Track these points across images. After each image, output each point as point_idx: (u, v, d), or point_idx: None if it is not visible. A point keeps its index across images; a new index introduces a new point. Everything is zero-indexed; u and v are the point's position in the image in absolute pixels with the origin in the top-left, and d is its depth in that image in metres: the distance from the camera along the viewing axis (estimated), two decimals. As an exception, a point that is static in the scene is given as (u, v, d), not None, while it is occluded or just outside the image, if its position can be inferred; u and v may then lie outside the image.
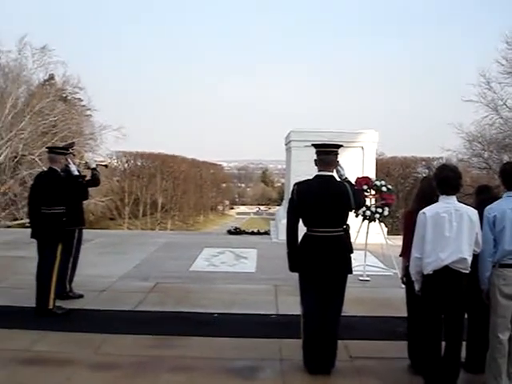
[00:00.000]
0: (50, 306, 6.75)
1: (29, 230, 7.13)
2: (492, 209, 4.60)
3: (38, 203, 6.89)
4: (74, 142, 9.69)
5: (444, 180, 4.56)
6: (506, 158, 28.77)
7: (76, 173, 7.34)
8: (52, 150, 7.31)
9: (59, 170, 7.02)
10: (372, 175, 12.67)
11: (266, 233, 16.44)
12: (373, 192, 9.74)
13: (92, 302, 7.54)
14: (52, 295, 6.77)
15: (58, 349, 5.65)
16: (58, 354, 5.49)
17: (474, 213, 4.51)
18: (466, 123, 32.66)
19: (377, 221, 9.70)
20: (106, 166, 9.86)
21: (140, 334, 6.18)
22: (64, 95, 38.47)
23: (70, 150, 7.64)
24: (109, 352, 5.62)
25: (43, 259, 6.84)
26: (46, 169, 7.41)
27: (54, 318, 6.63)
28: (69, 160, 7.27)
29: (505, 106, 30.71)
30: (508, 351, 4.58)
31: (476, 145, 32.49)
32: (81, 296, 7.68)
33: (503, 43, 29.45)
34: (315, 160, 5.23)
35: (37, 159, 30.27)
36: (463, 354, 4.83)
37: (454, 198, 4.54)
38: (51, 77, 38.06)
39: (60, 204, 6.91)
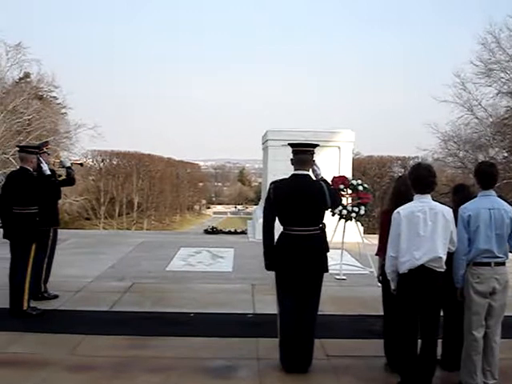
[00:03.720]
0: (25, 307, 6.67)
1: (1, 230, 7.04)
2: (467, 208, 4.64)
3: (9, 203, 6.79)
4: (48, 141, 9.58)
5: (418, 179, 4.58)
6: (480, 158, 29.13)
7: (48, 172, 7.21)
8: (23, 149, 7.20)
9: (31, 170, 6.92)
10: (348, 174, 12.78)
11: (243, 232, 16.41)
12: (349, 191, 9.80)
13: (67, 302, 7.47)
14: (26, 296, 6.69)
15: (34, 350, 5.58)
16: (33, 356, 5.42)
17: (448, 211, 4.54)
18: (441, 123, 33.11)
19: (353, 220, 9.76)
20: (81, 164, 9.77)
21: (116, 334, 6.13)
22: (39, 93, 38.03)
23: (45, 149, 7.54)
24: (85, 353, 5.56)
25: (17, 260, 6.76)
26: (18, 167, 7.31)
27: (28, 319, 6.56)
28: (41, 159, 7.16)
29: (480, 106, 31.13)
30: (483, 348, 4.63)
31: (451, 144, 32.89)
32: (56, 296, 7.61)
33: (478, 45, 29.82)
34: (291, 159, 5.24)
35: (11, 158, 29.87)
36: (439, 351, 4.88)
37: (428, 197, 4.56)
38: (26, 75, 37.64)
39: (32, 204, 6.82)
